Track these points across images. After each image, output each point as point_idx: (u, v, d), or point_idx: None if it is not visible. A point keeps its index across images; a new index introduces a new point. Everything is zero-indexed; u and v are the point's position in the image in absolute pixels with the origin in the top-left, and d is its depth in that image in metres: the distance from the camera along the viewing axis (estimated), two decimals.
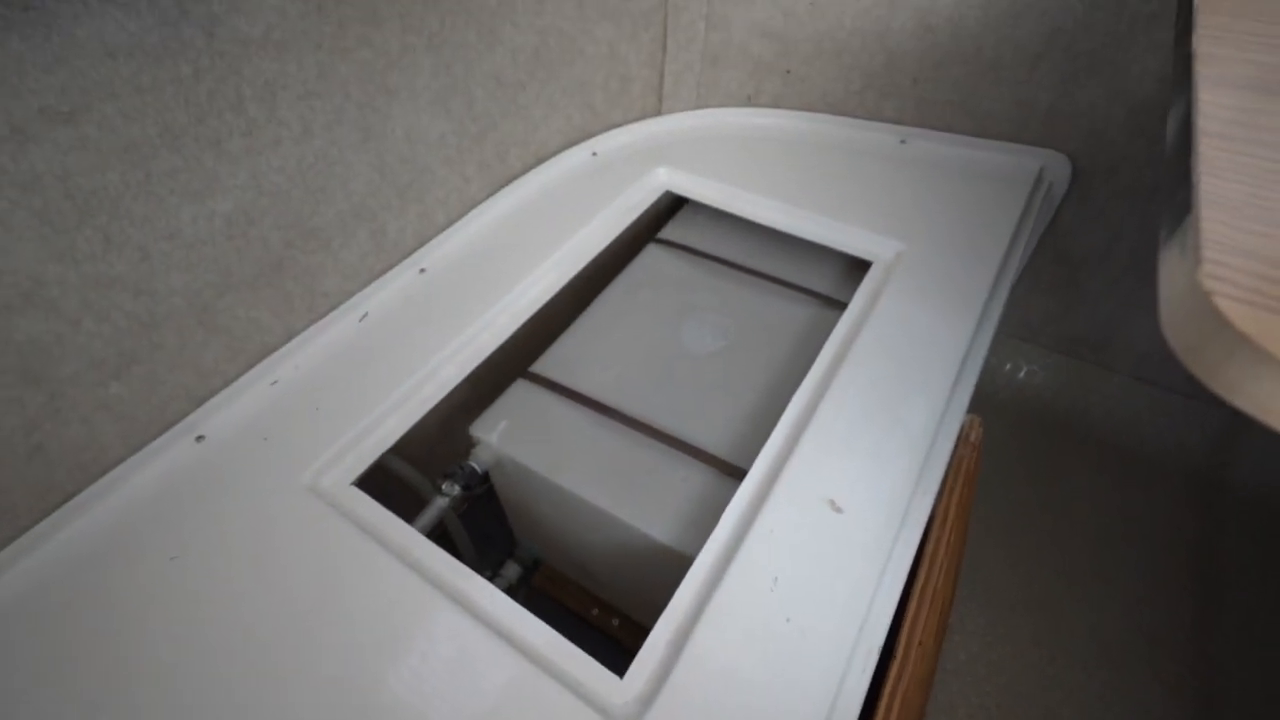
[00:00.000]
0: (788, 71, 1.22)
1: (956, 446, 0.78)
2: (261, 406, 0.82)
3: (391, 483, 0.93)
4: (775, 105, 1.28)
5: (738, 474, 0.82)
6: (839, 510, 0.70)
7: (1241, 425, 1.26)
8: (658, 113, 1.29)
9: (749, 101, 1.28)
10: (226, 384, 0.82)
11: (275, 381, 0.85)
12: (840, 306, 1.05)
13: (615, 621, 1.07)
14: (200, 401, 0.80)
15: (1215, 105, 0.36)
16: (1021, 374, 1.39)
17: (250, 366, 0.84)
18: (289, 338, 0.87)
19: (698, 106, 1.29)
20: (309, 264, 0.85)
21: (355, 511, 0.73)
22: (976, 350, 0.87)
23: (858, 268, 1.10)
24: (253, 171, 0.74)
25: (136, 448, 0.76)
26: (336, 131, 0.81)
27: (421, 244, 1.02)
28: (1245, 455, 1.24)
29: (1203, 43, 0.42)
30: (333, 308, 0.92)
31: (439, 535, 0.88)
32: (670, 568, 0.80)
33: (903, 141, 1.22)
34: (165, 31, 0.61)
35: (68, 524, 0.71)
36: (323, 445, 0.78)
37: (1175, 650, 1.05)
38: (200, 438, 0.79)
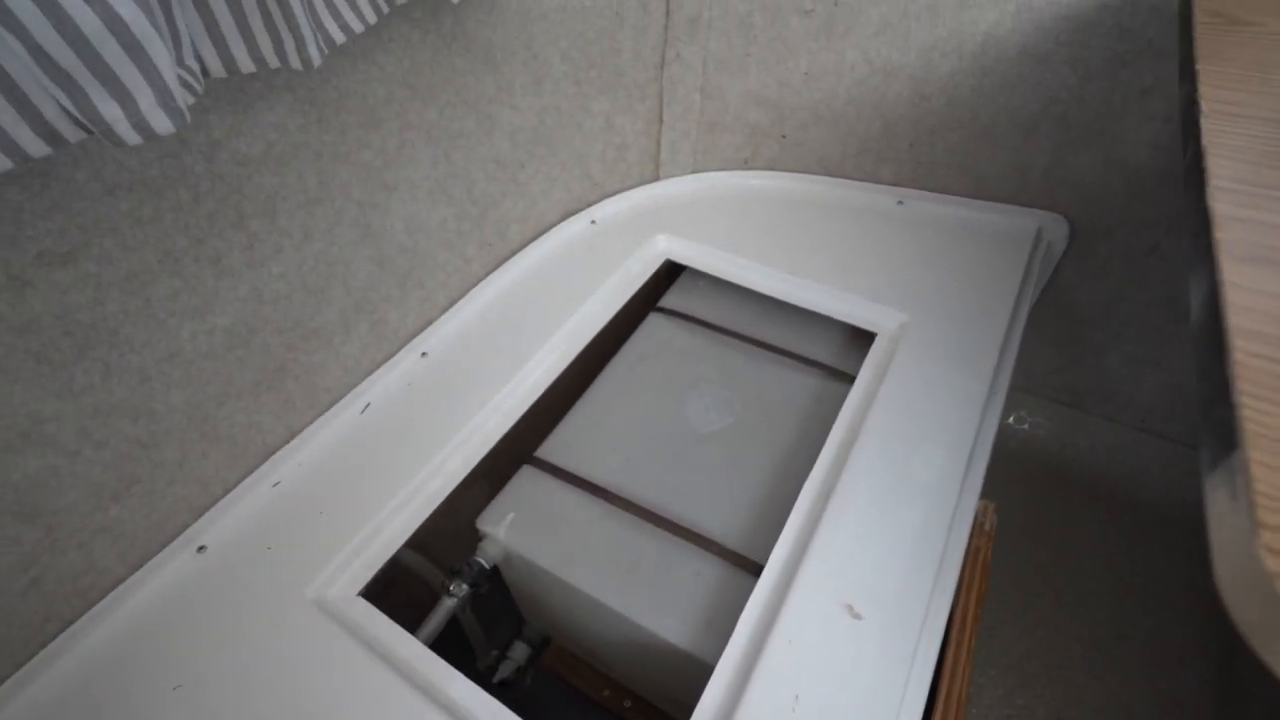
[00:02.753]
0: (784, 136, 1.23)
1: (971, 536, 0.77)
2: (264, 511, 0.81)
3: (396, 570, 0.91)
4: (771, 168, 1.28)
5: (751, 568, 0.80)
6: (858, 617, 0.68)
7: None
8: (655, 178, 1.29)
9: (745, 165, 1.29)
10: (227, 490, 0.81)
11: (278, 483, 0.84)
12: (845, 378, 1.05)
13: (627, 703, 1.05)
14: (201, 511, 0.79)
15: (1246, 290, 0.34)
16: (1025, 426, 1.38)
17: (251, 470, 0.83)
18: (290, 436, 0.86)
19: (695, 170, 1.30)
20: (310, 363, 0.84)
21: (361, 627, 0.71)
22: (987, 428, 0.87)
23: (861, 336, 1.10)
24: (253, 284, 0.73)
25: (136, 565, 0.74)
26: (337, 232, 0.80)
27: (423, 327, 1.01)
28: None
29: (1219, 199, 0.42)
30: (334, 401, 0.91)
31: (445, 623, 0.86)
32: (686, 669, 0.78)
33: (900, 202, 1.23)
34: (166, 164, 0.61)
35: (67, 651, 0.69)
36: (328, 552, 0.76)
37: (1197, 715, 1.04)
38: (201, 548, 0.78)
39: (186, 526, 0.77)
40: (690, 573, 0.81)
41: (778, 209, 1.23)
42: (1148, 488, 1.28)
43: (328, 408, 0.90)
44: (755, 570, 0.80)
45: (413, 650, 0.69)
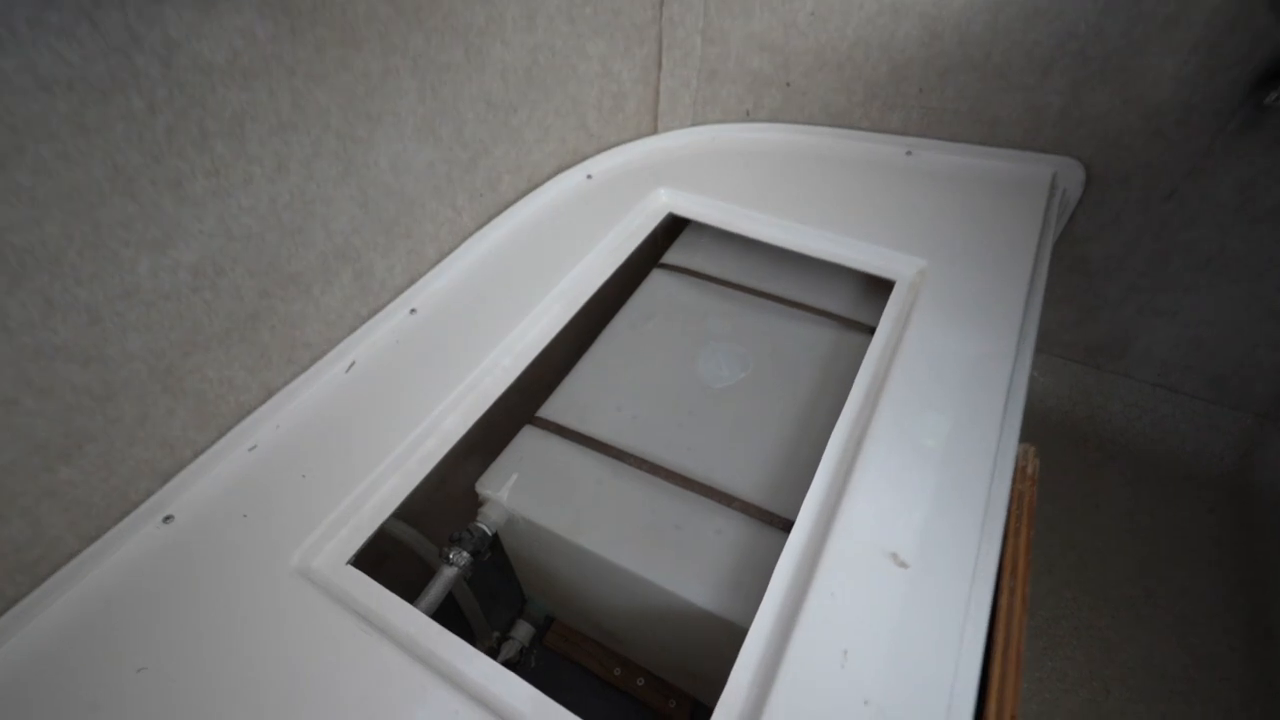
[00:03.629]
0: (787, 84, 1.17)
1: (1014, 481, 0.71)
2: (239, 478, 0.73)
3: (388, 544, 0.84)
4: (774, 119, 1.23)
5: (778, 523, 0.74)
6: (903, 565, 0.63)
7: (1265, 430, 1.23)
8: (653, 131, 1.23)
9: (748, 116, 1.23)
10: (197, 454, 0.72)
11: (254, 447, 0.75)
12: (862, 329, 0.99)
13: (640, 681, 0.99)
14: (167, 477, 0.70)
15: None
16: (1038, 385, 1.34)
17: (224, 432, 0.74)
18: (268, 395, 0.78)
19: (694, 124, 1.23)
20: (288, 313, 0.76)
21: (353, 596, 0.63)
22: (1020, 371, 0.81)
23: (877, 287, 1.05)
24: (220, 216, 0.65)
25: (93, 537, 0.65)
26: (315, 165, 0.72)
27: (411, 282, 0.93)
28: (1272, 460, 1.21)
29: None
30: (316, 358, 0.82)
31: (443, 599, 0.79)
32: (712, 635, 0.72)
33: (909, 153, 1.18)
34: (113, 61, 0.52)
35: (11, 634, 0.60)
36: (313, 519, 0.68)
37: (1230, 673, 1.00)
38: (168, 518, 0.69)
39: (151, 494, 0.69)
40: (711, 531, 0.75)
41: (782, 163, 1.18)
42: (1165, 444, 1.25)
43: (309, 365, 0.81)
44: (783, 525, 0.74)
45: (413, 620, 0.62)
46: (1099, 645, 1.01)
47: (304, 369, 0.81)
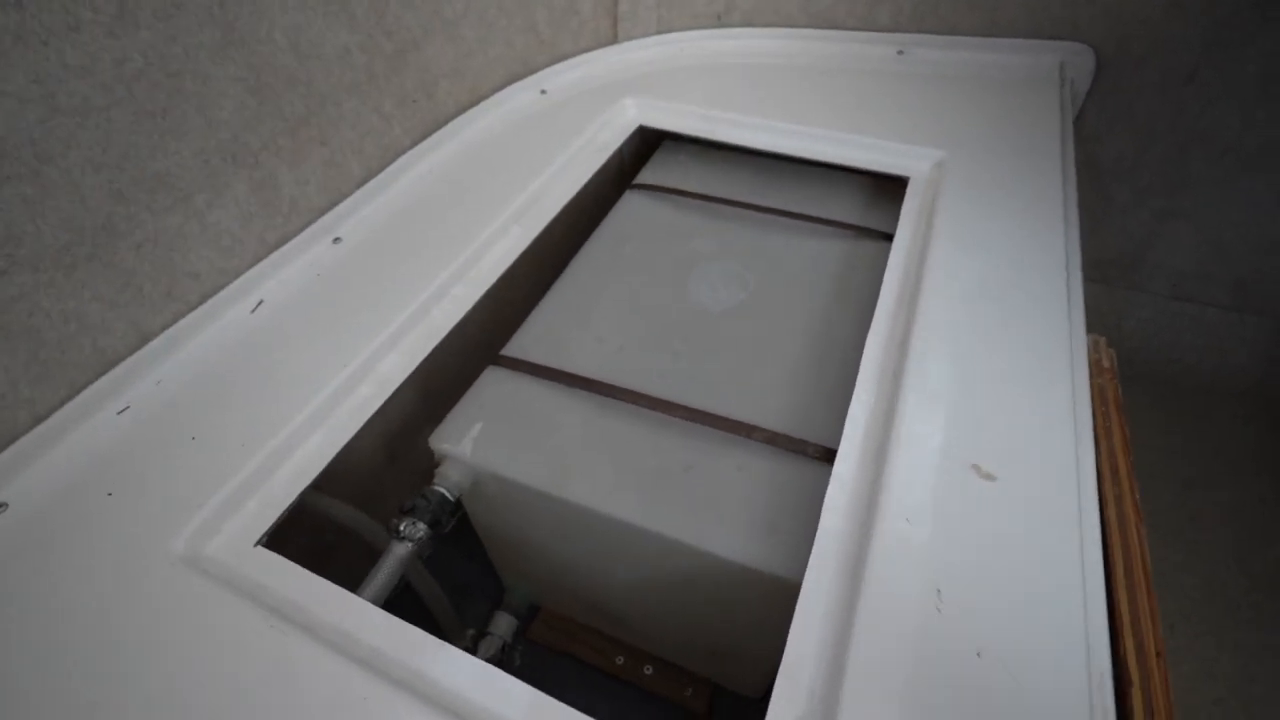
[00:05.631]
0: None
1: (1091, 376, 0.59)
2: (103, 448, 0.54)
3: (332, 532, 0.66)
4: (749, 23, 1.08)
5: (814, 451, 0.60)
6: (989, 477, 0.49)
7: None
8: (613, 40, 1.07)
9: (719, 21, 1.08)
10: (38, 421, 0.53)
11: (125, 409, 0.57)
12: (875, 235, 0.86)
13: (648, 669, 0.83)
14: None
15: None
16: None
17: (78, 390, 0.55)
18: (142, 341, 0.59)
19: (660, 31, 1.08)
20: (160, 228, 0.58)
21: (266, 586, 0.46)
22: (1073, 259, 0.69)
23: (886, 188, 0.92)
24: (36, 74, 0.47)
25: None
26: (179, 21, 0.54)
27: (333, 204, 0.75)
28: None
29: None
30: (209, 294, 0.64)
31: (399, 594, 0.62)
32: (748, 597, 0.57)
33: (900, 52, 1.05)
34: None
35: None
36: (204, 492, 0.51)
37: None
38: (1, 506, 0.50)
39: None
40: (732, 469, 0.60)
41: (761, 72, 1.03)
42: (1186, 360, 1.16)
43: (199, 302, 0.63)
44: (821, 454, 0.60)
45: (352, 611, 0.45)
46: (1155, 580, 0.90)
47: (192, 307, 0.62)
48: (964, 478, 0.49)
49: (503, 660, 0.84)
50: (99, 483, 0.52)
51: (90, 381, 0.56)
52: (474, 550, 0.84)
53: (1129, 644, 0.42)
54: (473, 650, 0.83)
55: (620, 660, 0.84)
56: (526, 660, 0.86)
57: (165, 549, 0.47)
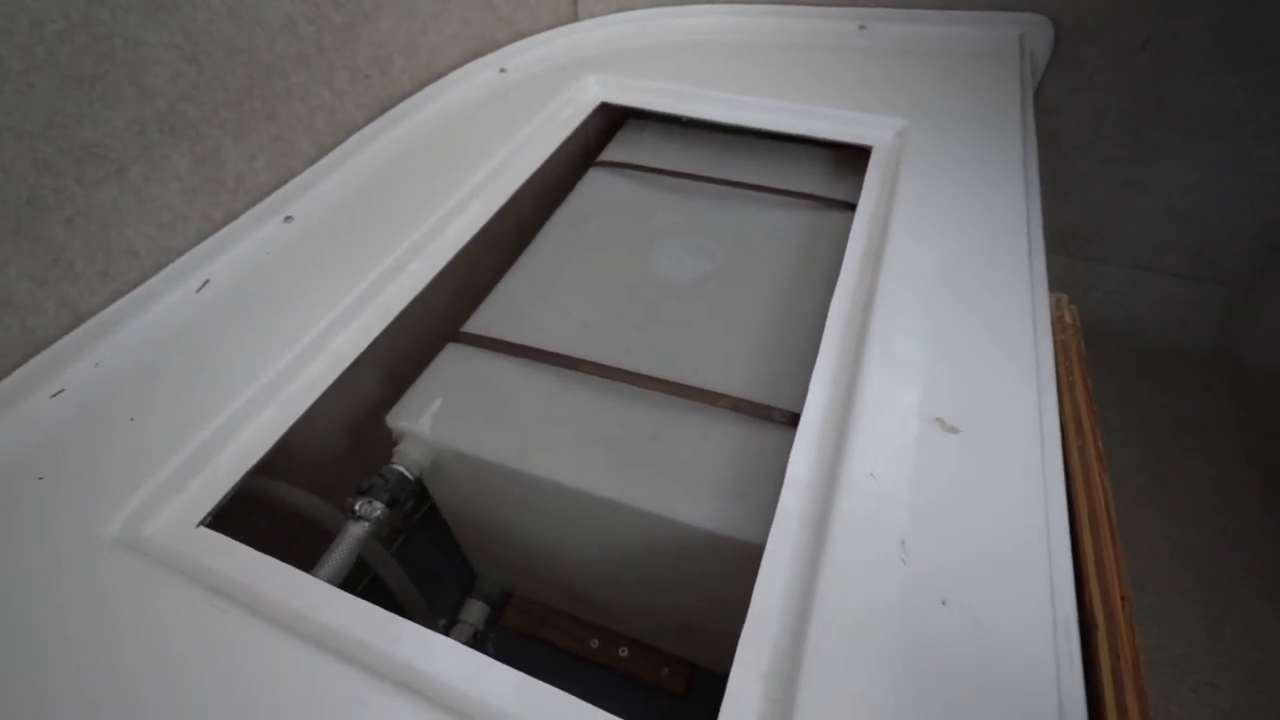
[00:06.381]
0: None
1: (1054, 332, 0.59)
2: (34, 431, 0.51)
3: (286, 523, 0.64)
4: (712, 0, 1.07)
5: (779, 416, 0.59)
6: (953, 430, 0.48)
7: (1246, 300, 1.18)
8: (574, 17, 1.05)
9: None
10: None
11: (59, 391, 0.54)
12: (840, 205, 0.85)
13: (623, 651, 0.82)
14: None
15: None
16: None
17: (7, 372, 0.53)
18: (76, 321, 0.56)
19: (620, 8, 1.06)
20: (92, 203, 0.55)
21: (210, 567, 0.44)
22: (1034, 220, 0.69)
23: (849, 159, 0.91)
24: None
25: None
26: None
27: (283, 181, 0.73)
28: (1256, 331, 1.16)
29: None
30: (149, 274, 0.61)
31: (368, 585, 0.60)
32: (718, 564, 0.56)
33: (862, 27, 1.05)
34: None
35: None
36: (142, 472, 0.48)
37: (1262, 550, 0.93)
38: None
39: None
40: (697, 436, 0.59)
41: (722, 50, 1.02)
42: (1148, 328, 1.18)
43: (139, 282, 0.60)
44: (786, 419, 0.59)
45: (303, 589, 0.43)
46: (1124, 545, 0.91)
47: (130, 286, 0.60)
48: (928, 431, 0.48)
49: (475, 647, 0.82)
50: (29, 467, 0.49)
51: (20, 363, 0.53)
52: (443, 538, 0.82)
53: (1094, 589, 0.42)
54: None
55: (595, 644, 0.82)
56: (500, 647, 0.85)
57: (99, 532, 0.45)
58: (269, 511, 0.60)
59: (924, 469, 0.46)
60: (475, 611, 0.84)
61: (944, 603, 0.39)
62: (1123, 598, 0.41)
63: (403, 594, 0.72)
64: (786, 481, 0.48)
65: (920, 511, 0.43)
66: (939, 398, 0.51)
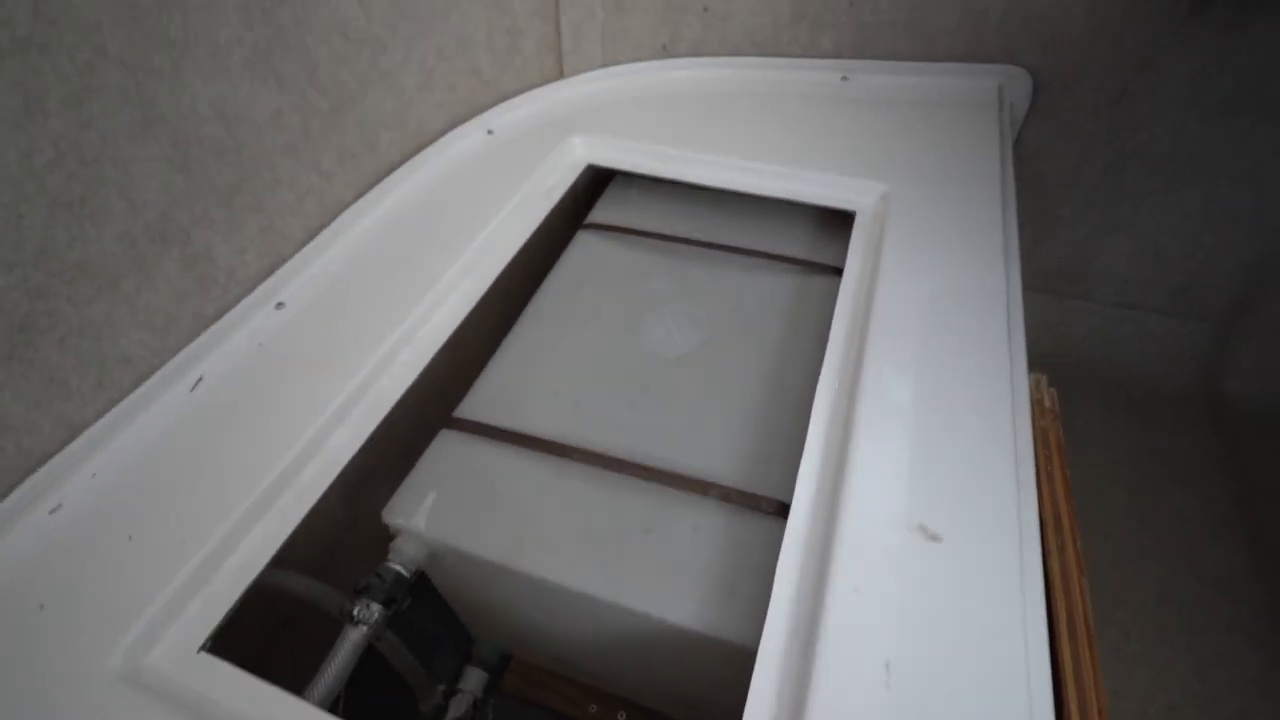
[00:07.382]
0: (705, 9, 1.03)
1: (1033, 419, 0.60)
2: (34, 554, 0.52)
3: (283, 604, 0.64)
4: (695, 53, 1.08)
5: (767, 506, 0.61)
6: (935, 539, 0.50)
7: (1227, 338, 1.20)
8: (559, 75, 1.06)
9: (664, 52, 1.08)
10: None
11: (58, 507, 0.55)
12: (826, 270, 0.87)
13: (621, 715, 0.83)
14: None
15: None
16: None
17: (4, 494, 0.53)
18: (71, 435, 0.57)
19: (605, 64, 1.07)
20: (85, 319, 0.56)
21: (210, 698, 0.45)
22: (1014, 293, 0.71)
23: (835, 222, 0.93)
24: None
25: None
26: (91, 107, 0.52)
27: (273, 269, 0.73)
28: (1237, 366, 1.18)
29: None
30: (143, 377, 0.62)
31: (365, 653, 0.61)
32: (711, 659, 0.57)
33: (844, 78, 1.06)
34: None
35: None
36: (143, 597, 0.49)
37: (1243, 592, 0.95)
38: None
39: None
40: (687, 529, 0.60)
41: (709, 103, 1.04)
42: (1131, 365, 1.20)
43: (133, 387, 0.61)
44: (775, 509, 0.60)
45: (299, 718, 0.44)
46: (1107, 588, 0.93)
47: (125, 393, 0.60)
48: (911, 540, 0.49)
49: (475, 717, 0.83)
50: (30, 595, 0.50)
51: (17, 483, 0.54)
52: (439, 603, 0.83)
53: (1073, 700, 0.43)
54: (444, 708, 0.82)
55: (593, 709, 0.84)
56: (499, 713, 0.86)
57: (102, 667, 0.46)
58: (269, 595, 0.61)
59: (908, 584, 0.47)
60: (474, 679, 0.85)
61: None
62: (1099, 710, 0.42)
63: (404, 667, 0.73)
64: (775, 588, 0.49)
65: (905, 631, 0.45)
66: (922, 499, 0.52)
